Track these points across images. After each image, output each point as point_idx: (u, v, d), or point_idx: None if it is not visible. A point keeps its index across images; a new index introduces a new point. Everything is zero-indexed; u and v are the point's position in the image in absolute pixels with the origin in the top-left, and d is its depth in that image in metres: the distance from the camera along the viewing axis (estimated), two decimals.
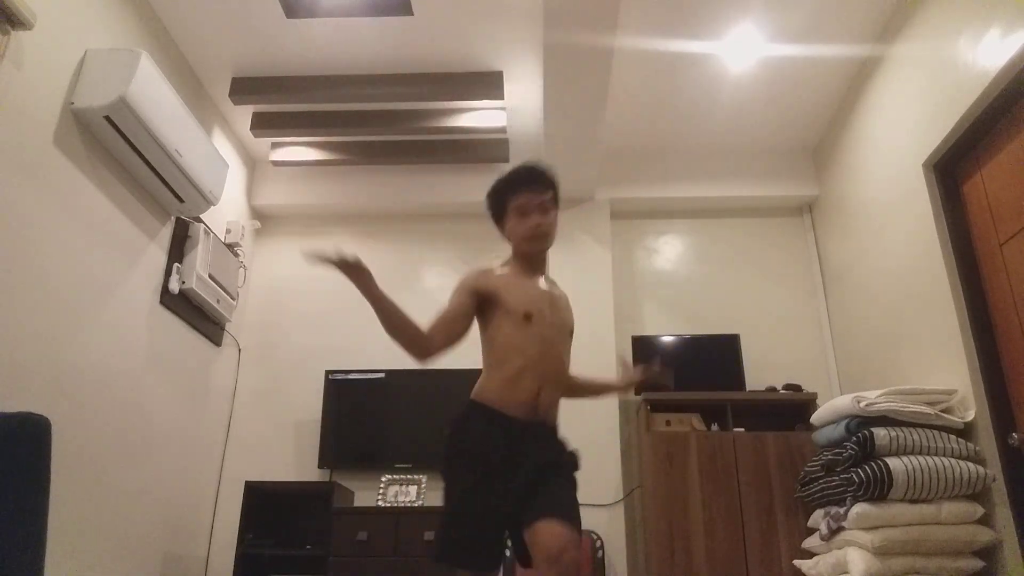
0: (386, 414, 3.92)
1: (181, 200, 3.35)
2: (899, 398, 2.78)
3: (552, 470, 1.84)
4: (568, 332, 2.01)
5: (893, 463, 2.58)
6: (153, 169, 3.10)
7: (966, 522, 2.58)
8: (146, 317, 3.26)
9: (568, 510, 1.74)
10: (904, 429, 2.69)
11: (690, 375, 3.83)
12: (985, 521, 2.60)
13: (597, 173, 4.12)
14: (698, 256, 4.38)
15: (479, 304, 1.92)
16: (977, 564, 2.58)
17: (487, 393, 1.88)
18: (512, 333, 1.88)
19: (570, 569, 1.61)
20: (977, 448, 2.67)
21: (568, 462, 1.92)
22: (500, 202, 2.05)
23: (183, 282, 3.47)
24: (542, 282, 2.02)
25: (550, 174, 2.12)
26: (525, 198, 2.02)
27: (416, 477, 3.69)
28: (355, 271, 1.79)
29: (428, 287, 4.29)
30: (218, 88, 3.81)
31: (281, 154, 4.23)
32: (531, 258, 2.03)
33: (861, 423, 2.79)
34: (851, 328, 3.82)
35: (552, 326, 1.93)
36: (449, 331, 1.87)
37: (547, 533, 1.65)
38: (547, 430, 1.94)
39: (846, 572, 2.68)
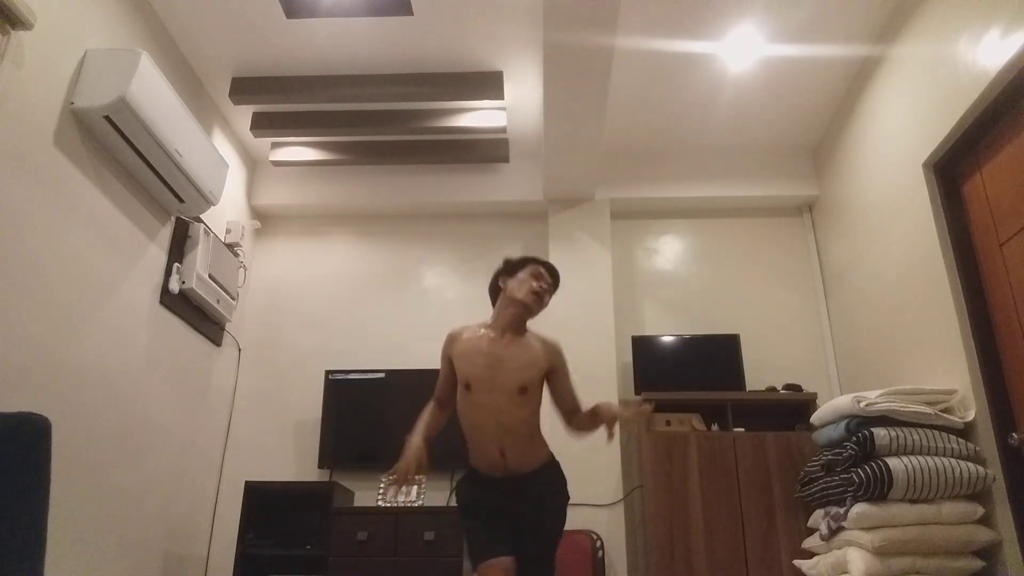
0: (386, 414, 3.92)
1: (181, 200, 3.35)
2: (899, 398, 2.78)
3: (533, 537, 2.17)
4: (517, 390, 2.16)
5: (893, 463, 2.58)
6: (153, 169, 3.10)
7: (966, 522, 2.58)
8: (146, 317, 3.26)
9: (544, 566, 2.18)
10: (904, 429, 2.69)
11: (690, 375, 3.83)
12: (985, 521, 2.60)
13: (597, 173, 4.12)
14: (698, 256, 4.38)
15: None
16: (977, 564, 2.58)
17: (471, 459, 2.25)
18: (462, 403, 2.21)
19: None
20: (977, 448, 2.67)
21: (550, 527, 2.24)
22: (522, 263, 2.33)
23: (183, 282, 3.47)
24: (499, 345, 2.21)
25: (559, 279, 2.40)
26: (543, 273, 2.32)
27: (416, 477, 3.68)
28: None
29: (428, 287, 4.29)
30: (218, 88, 3.81)
31: (281, 154, 4.23)
32: (513, 317, 2.25)
33: (861, 423, 2.79)
34: (851, 328, 3.82)
35: (494, 391, 2.15)
36: (444, 397, 2.30)
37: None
38: (524, 477, 2.20)
39: (846, 572, 2.68)
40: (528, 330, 2.30)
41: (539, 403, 2.24)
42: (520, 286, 2.25)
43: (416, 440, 2.15)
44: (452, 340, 2.28)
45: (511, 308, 2.26)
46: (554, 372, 2.28)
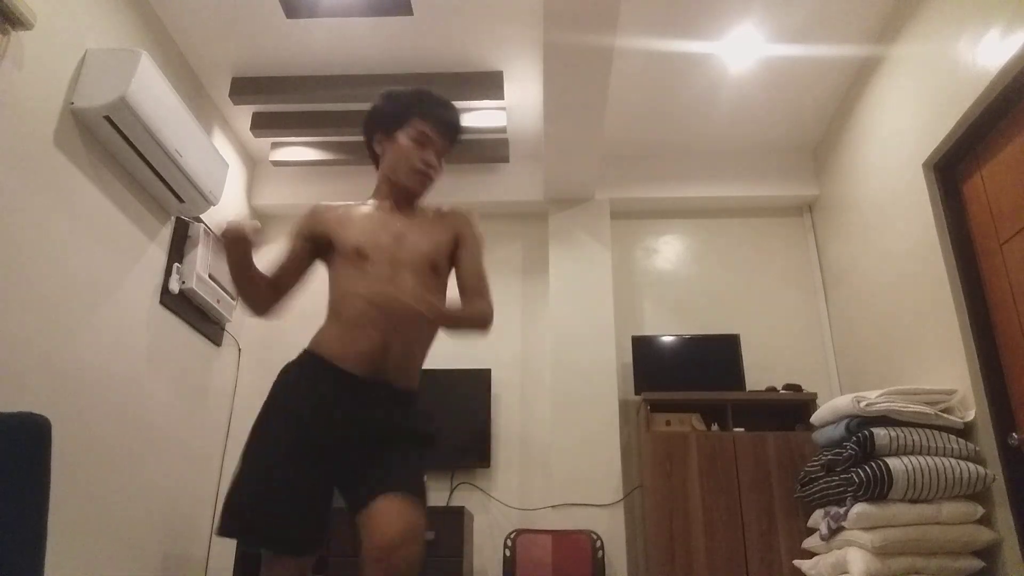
0: None
1: (181, 200, 3.35)
2: (899, 398, 2.78)
3: (397, 441, 1.54)
4: (428, 268, 1.68)
5: (893, 463, 2.58)
6: (153, 169, 3.10)
7: (966, 522, 2.58)
8: (146, 317, 3.26)
9: (411, 487, 1.45)
10: (904, 429, 2.69)
11: (690, 375, 3.83)
12: (985, 521, 2.60)
13: (597, 173, 4.12)
14: (698, 256, 4.38)
15: (319, 248, 1.73)
16: (977, 564, 2.58)
17: (321, 342, 1.65)
18: (346, 275, 1.66)
19: (402, 569, 1.32)
20: (977, 448, 2.67)
21: (419, 434, 1.60)
22: (400, 114, 1.77)
23: (183, 282, 3.47)
24: (396, 214, 1.75)
25: (462, 128, 1.88)
26: (431, 130, 1.77)
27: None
28: (234, 242, 1.61)
29: None
30: (218, 88, 3.81)
31: (281, 154, 4.23)
32: (400, 190, 1.78)
33: (861, 423, 2.79)
34: (851, 328, 3.82)
35: (397, 262, 1.65)
36: (276, 283, 1.77)
37: (380, 520, 1.37)
38: (395, 393, 1.61)
39: (846, 572, 2.68)
40: (422, 203, 1.83)
41: (444, 299, 1.74)
42: (399, 161, 1.75)
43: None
44: (316, 212, 1.77)
45: (391, 184, 1.79)
46: (461, 242, 1.77)
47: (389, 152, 1.78)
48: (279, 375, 1.65)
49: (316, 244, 1.75)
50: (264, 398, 1.63)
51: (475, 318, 1.68)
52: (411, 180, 1.76)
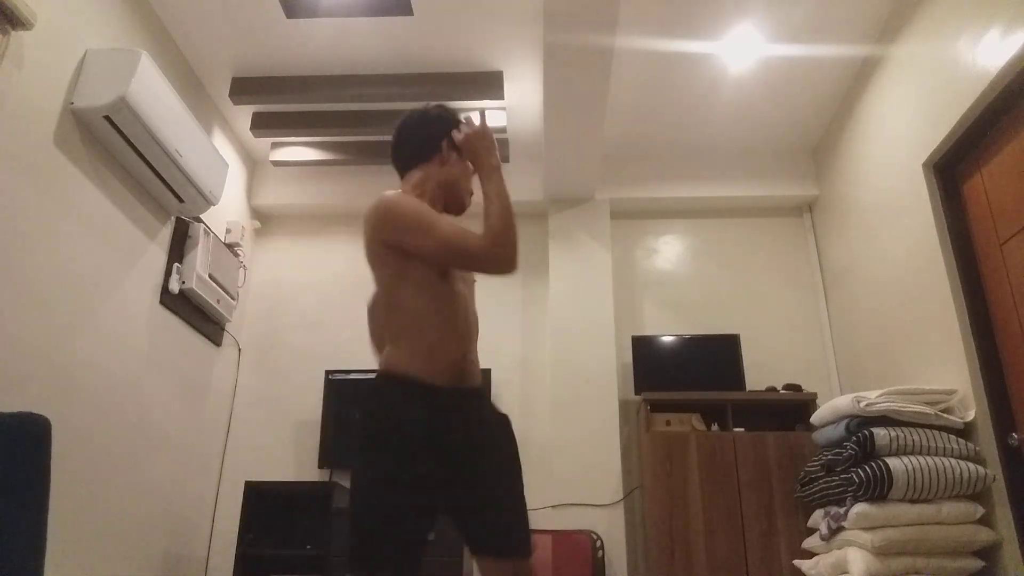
0: None
1: (181, 200, 3.35)
2: (899, 398, 2.78)
3: (491, 452, 1.56)
4: (473, 282, 1.77)
5: (893, 463, 2.58)
6: (153, 169, 3.10)
7: (966, 522, 2.58)
8: (146, 317, 3.26)
9: (519, 531, 1.53)
10: (904, 429, 2.69)
11: (690, 375, 3.83)
12: (985, 521, 2.60)
13: (597, 173, 4.12)
14: (698, 256, 4.38)
15: (401, 249, 1.61)
16: (977, 564, 2.58)
17: (410, 366, 1.54)
18: (432, 293, 1.59)
19: None
20: (977, 448, 2.67)
21: (504, 430, 1.65)
22: (450, 126, 1.77)
23: (183, 282, 3.47)
24: None
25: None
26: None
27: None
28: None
29: None
30: (218, 88, 3.81)
31: (281, 154, 4.23)
32: (447, 204, 1.79)
33: (861, 423, 2.79)
34: (851, 328, 3.82)
35: (464, 281, 1.70)
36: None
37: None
38: (477, 397, 1.64)
39: (846, 572, 2.68)
40: None
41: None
42: (462, 180, 1.78)
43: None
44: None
45: (445, 196, 1.77)
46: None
47: (456, 165, 1.77)
48: (372, 407, 1.54)
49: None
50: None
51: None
52: (462, 201, 1.80)
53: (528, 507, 1.60)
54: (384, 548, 1.40)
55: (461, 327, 1.61)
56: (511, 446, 1.63)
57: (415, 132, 1.79)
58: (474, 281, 1.78)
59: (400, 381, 1.52)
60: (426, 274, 1.58)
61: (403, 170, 1.80)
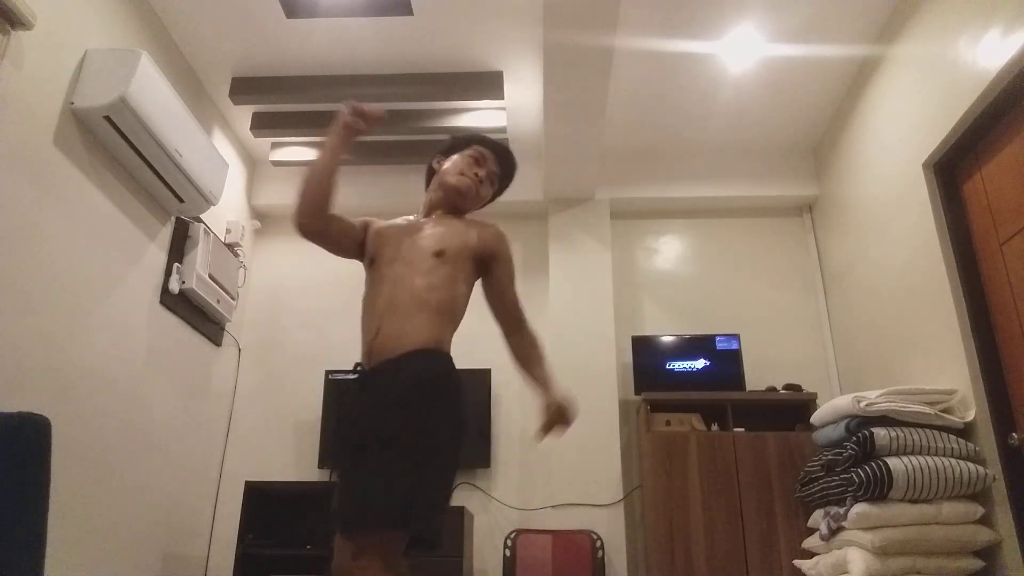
0: None
1: (181, 200, 3.35)
2: (899, 398, 2.78)
3: (369, 436, 1.52)
4: (429, 255, 1.72)
5: (893, 463, 2.58)
6: (153, 169, 3.10)
7: (966, 522, 2.58)
8: (146, 317, 3.26)
9: (351, 509, 1.49)
10: (904, 429, 2.69)
11: (690, 375, 3.84)
12: (985, 521, 2.60)
13: (597, 173, 4.12)
14: (698, 256, 4.38)
15: (363, 247, 1.85)
16: (977, 564, 2.58)
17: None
18: (366, 287, 1.78)
19: None
20: (977, 448, 2.67)
21: (403, 405, 1.54)
22: (466, 142, 1.96)
23: (183, 282, 3.47)
24: (424, 220, 1.87)
25: (515, 166, 2.04)
26: (488, 153, 1.94)
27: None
28: (356, 123, 1.78)
29: None
30: (218, 88, 3.81)
31: (281, 154, 4.23)
32: (440, 201, 1.90)
33: (861, 423, 2.79)
34: (851, 328, 3.82)
35: (397, 260, 1.72)
36: (329, 209, 1.76)
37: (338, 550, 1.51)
38: (384, 370, 1.61)
39: (846, 572, 2.68)
40: (464, 217, 1.91)
41: (458, 283, 1.74)
42: (451, 169, 1.89)
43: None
44: (373, 221, 1.90)
45: (439, 191, 1.90)
46: (492, 259, 1.80)
47: (447, 165, 1.93)
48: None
49: (359, 241, 1.86)
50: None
51: (543, 357, 1.81)
52: (461, 182, 1.87)
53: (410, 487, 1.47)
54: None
55: (380, 306, 1.67)
56: (404, 421, 1.52)
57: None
58: (431, 255, 1.73)
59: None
60: (365, 267, 1.80)
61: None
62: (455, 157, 1.93)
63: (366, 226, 1.89)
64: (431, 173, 1.99)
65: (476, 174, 1.89)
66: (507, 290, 1.82)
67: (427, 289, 1.67)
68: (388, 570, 1.42)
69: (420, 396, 1.56)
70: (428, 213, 1.91)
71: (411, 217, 1.93)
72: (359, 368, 1.69)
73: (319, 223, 1.77)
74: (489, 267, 1.82)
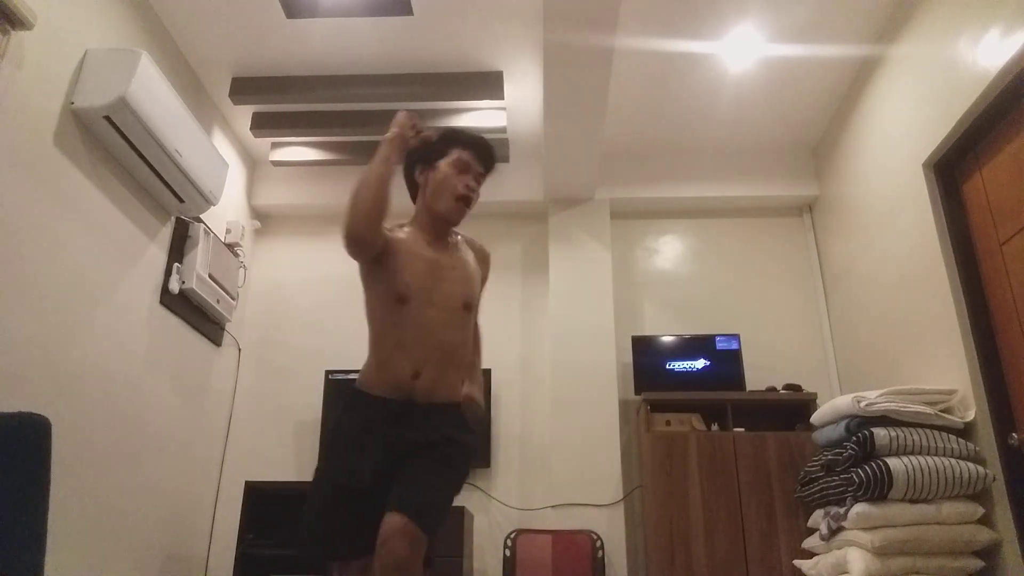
0: None
1: (181, 200, 3.35)
2: (899, 398, 2.78)
3: (424, 451, 1.69)
4: (460, 307, 1.82)
5: (893, 463, 2.58)
6: (153, 169, 3.10)
7: (966, 522, 2.58)
8: (146, 317, 3.26)
9: (417, 498, 1.61)
10: (904, 429, 2.69)
11: (690, 375, 3.84)
12: (985, 521, 2.60)
13: (597, 173, 4.12)
14: (698, 256, 4.38)
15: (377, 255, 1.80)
16: (977, 564, 2.58)
17: (362, 377, 1.82)
18: (389, 317, 1.78)
19: (388, 560, 1.50)
20: (977, 448, 2.67)
21: (451, 442, 1.75)
22: (444, 144, 1.90)
23: (183, 282, 3.47)
24: (437, 250, 1.87)
25: (496, 155, 2.01)
26: (471, 156, 1.90)
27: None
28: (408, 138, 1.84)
29: None
30: (218, 88, 3.81)
31: (281, 154, 4.23)
32: (440, 221, 1.90)
33: (861, 423, 2.79)
34: (851, 328, 3.82)
35: (433, 305, 1.78)
36: (382, 232, 1.78)
37: (385, 523, 1.55)
38: (429, 411, 1.76)
39: (846, 572, 2.68)
40: (453, 232, 1.95)
41: (473, 331, 1.92)
42: (441, 189, 1.86)
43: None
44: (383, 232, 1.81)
45: (431, 214, 1.89)
46: (482, 283, 1.97)
47: (431, 182, 1.90)
48: (338, 409, 1.84)
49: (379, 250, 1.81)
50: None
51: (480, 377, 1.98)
52: (453, 207, 1.87)
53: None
54: (314, 525, 1.70)
55: (415, 349, 1.76)
56: (434, 448, 1.73)
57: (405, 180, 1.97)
58: (461, 308, 1.83)
59: (354, 392, 1.80)
60: (385, 297, 1.78)
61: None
62: (440, 167, 1.89)
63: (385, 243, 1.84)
64: (413, 183, 1.97)
65: (468, 186, 1.88)
66: (478, 304, 1.95)
67: (460, 345, 1.83)
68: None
69: (460, 448, 1.78)
70: (429, 229, 1.90)
71: (407, 228, 1.90)
72: (382, 396, 1.75)
73: (375, 235, 1.75)
74: None
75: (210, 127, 3.88)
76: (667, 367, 3.88)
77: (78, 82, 2.78)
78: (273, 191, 4.43)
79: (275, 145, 4.24)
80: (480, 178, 1.93)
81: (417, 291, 1.77)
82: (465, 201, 1.88)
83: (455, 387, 1.82)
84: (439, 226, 1.91)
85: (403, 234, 1.86)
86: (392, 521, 1.54)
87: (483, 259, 1.98)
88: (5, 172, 2.43)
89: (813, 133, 4.23)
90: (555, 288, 4.14)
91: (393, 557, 1.50)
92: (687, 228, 4.45)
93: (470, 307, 1.85)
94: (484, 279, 1.98)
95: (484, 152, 1.93)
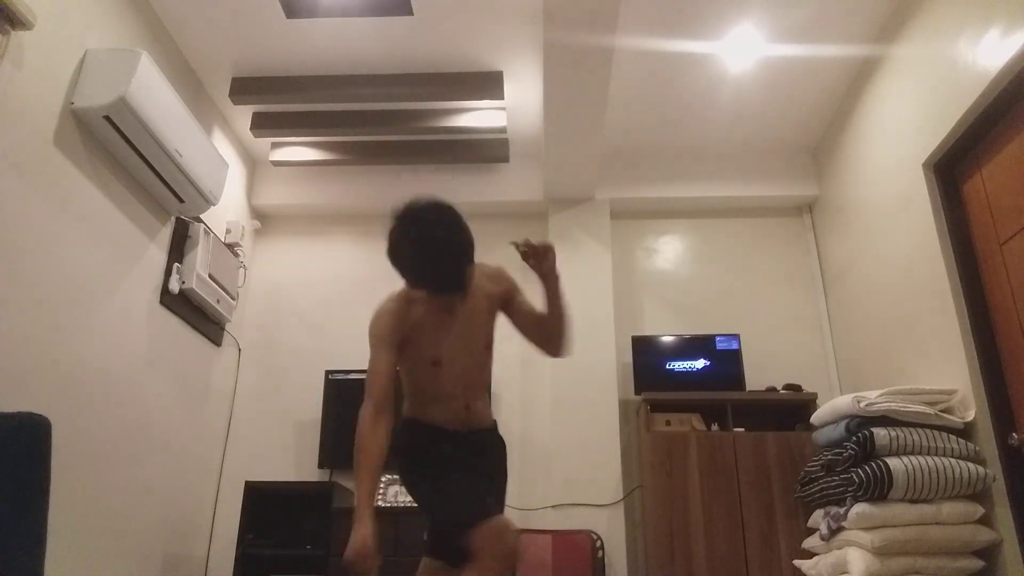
0: None
1: (181, 200, 3.35)
2: (899, 398, 2.78)
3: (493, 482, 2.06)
4: (482, 349, 2.01)
5: (893, 463, 2.58)
6: (153, 169, 3.10)
7: (966, 522, 2.58)
8: (146, 317, 3.26)
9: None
10: (904, 429, 2.69)
11: (690, 375, 3.84)
12: (985, 521, 2.60)
13: (597, 173, 4.12)
14: (698, 256, 4.38)
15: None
16: (977, 564, 2.58)
17: (416, 413, 2.02)
18: (423, 377, 1.96)
19: (505, 549, 1.73)
20: (977, 448, 2.67)
21: (502, 471, 2.17)
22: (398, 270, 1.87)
23: (183, 282, 3.47)
24: (453, 310, 1.92)
25: (447, 262, 1.79)
26: (429, 299, 1.92)
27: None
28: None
29: None
30: (218, 88, 3.81)
31: (281, 154, 4.23)
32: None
33: (861, 423, 2.79)
34: (851, 328, 3.82)
35: (464, 358, 1.97)
36: (385, 397, 1.84)
37: (493, 523, 1.76)
38: (483, 436, 2.08)
39: (846, 572, 2.68)
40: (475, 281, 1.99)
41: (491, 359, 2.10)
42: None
43: (363, 529, 1.62)
44: (399, 319, 1.88)
45: None
46: (509, 301, 2.03)
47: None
48: (399, 442, 1.97)
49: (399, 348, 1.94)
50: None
51: (555, 315, 1.99)
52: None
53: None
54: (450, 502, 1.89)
55: (458, 388, 1.98)
56: (499, 476, 2.17)
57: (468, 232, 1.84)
58: (483, 349, 2.02)
59: (413, 421, 2.02)
60: (418, 361, 1.96)
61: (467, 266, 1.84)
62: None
63: (396, 339, 1.91)
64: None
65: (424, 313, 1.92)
66: (533, 308, 2.03)
67: (486, 378, 2.08)
68: None
69: (502, 459, 2.19)
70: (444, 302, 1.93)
71: (420, 298, 1.91)
72: (444, 428, 1.99)
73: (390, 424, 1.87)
74: (509, 307, 2.05)
75: (210, 127, 3.88)
76: (667, 367, 3.88)
77: (78, 82, 2.78)
78: (273, 191, 4.43)
79: (275, 145, 4.24)
80: (452, 304, 1.93)
81: (448, 356, 1.93)
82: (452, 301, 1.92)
83: (488, 411, 2.12)
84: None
85: (417, 311, 1.91)
86: (500, 522, 1.76)
87: (498, 280, 2.04)
88: (5, 172, 2.43)
89: (813, 133, 4.23)
90: None
91: (509, 547, 1.73)
92: (687, 228, 4.45)
93: (490, 346, 2.03)
94: (516, 289, 2.05)
95: (435, 287, 1.84)
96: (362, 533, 1.61)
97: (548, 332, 1.98)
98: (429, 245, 1.74)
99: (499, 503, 2.06)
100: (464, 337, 1.96)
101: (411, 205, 1.78)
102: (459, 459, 1.96)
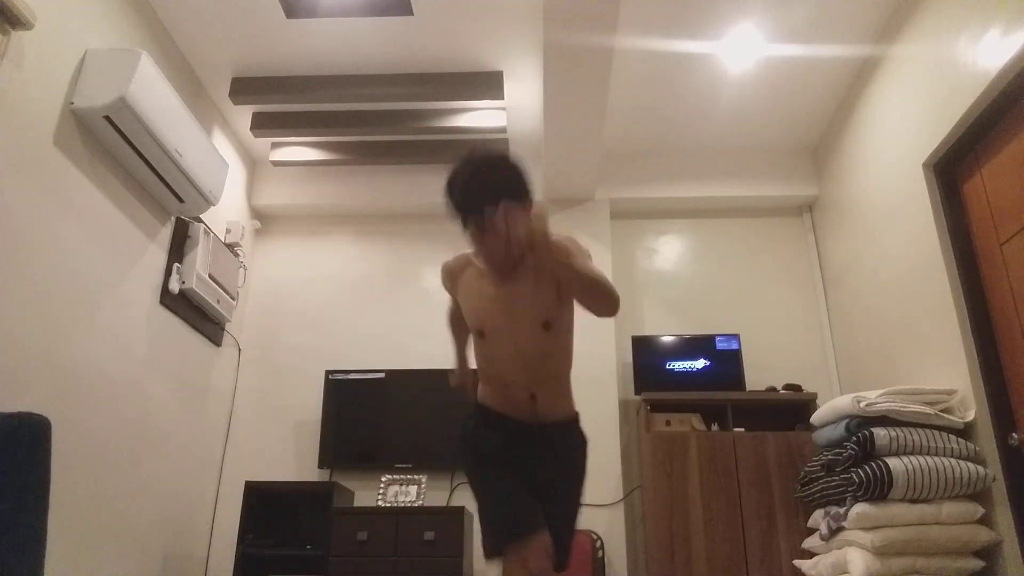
0: (386, 414, 3.92)
1: (181, 200, 3.35)
2: (899, 398, 2.78)
3: (558, 491, 1.84)
4: (540, 328, 1.76)
5: (893, 463, 2.58)
6: (153, 169, 3.10)
7: (966, 522, 2.58)
8: (146, 317, 3.26)
9: (565, 537, 1.79)
10: (904, 429, 2.69)
11: (690, 375, 3.84)
12: (985, 521, 2.60)
13: (597, 173, 4.12)
14: (698, 256, 4.38)
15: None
16: (977, 564, 2.58)
17: (483, 397, 1.94)
18: (478, 348, 1.88)
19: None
20: (977, 448, 2.67)
21: (576, 494, 1.93)
22: (453, 214, 1.76)
23: (183, 282, 3.47)
24: (502, 283, 1.78)
25: (483, 184, 1.68)
26: (464, 222, 1.73)
27: (416, 477, 3.69)
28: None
29: (428, 287, 4.29)
30: (218, 88, 3.81)
31: (281, 154, 4.23)
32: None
33: (861, 423, 2.79)
34: (851, 328, 3.82)
35: (513, 335, 1.77)
36: (457, 321, 2.04)
37: (524, 548, 1.62)
38: (555, 432, 1.89)
39: (846, 572, 2.68)
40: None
41: (569, 336, 1.86)
42: (474, 247, 1.80)
43: (463, 365, 2.08)
44: (451, 276, 1.89)
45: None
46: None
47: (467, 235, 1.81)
48: (462, 429, 1.95)
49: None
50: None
51: (591, 275, 1.64)
52: (491, 267, 1.79)
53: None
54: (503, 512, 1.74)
55: (514, 371, 1.82)
56: (572, 482, 1.95)
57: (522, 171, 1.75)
58: (541, 328, 1.78)
59: (480, 407, 1.94)
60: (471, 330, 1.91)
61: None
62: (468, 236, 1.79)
63: (454, 301, 2.01)
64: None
65: (490, 252, 1.73)
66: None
67: (556, 367, 1.87)
68: None
69: (575, 461, 1.96)
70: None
71: (476, 267, 1.83)
72: (510, 416, 1.85)
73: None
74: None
75: (210, 127, 3.87)
76: (667, 367, 3.88)
77: (78, 82, 2.78)
78: (273, 191, 4.43)
79: (275, 145, 4.24)
80: (484, 226, 1.67)
81: (491, 329, 1.80)
82: (488, 262, 1.78)
83: (565, 405, 1.93)
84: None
85: (469, 274, 1.84)
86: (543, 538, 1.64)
87: (559, 251, 1.63)
88: (5, 172, 2.43)
89: (813, 133, 4.23)
90: None
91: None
92: (687, 228, 4.45)
93: (551, 326, 1.77)
94: (568, 257, 1.62)
95: (464, 202, 1.71)
96: (462, 367, 2.09)
97: (583, 303, 1.70)
98: (468, 162, 1.73)
99: (559, 518, 1.76)
100: (509, 311, 1.77)
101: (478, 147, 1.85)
102: (517, 455, 1.79)
